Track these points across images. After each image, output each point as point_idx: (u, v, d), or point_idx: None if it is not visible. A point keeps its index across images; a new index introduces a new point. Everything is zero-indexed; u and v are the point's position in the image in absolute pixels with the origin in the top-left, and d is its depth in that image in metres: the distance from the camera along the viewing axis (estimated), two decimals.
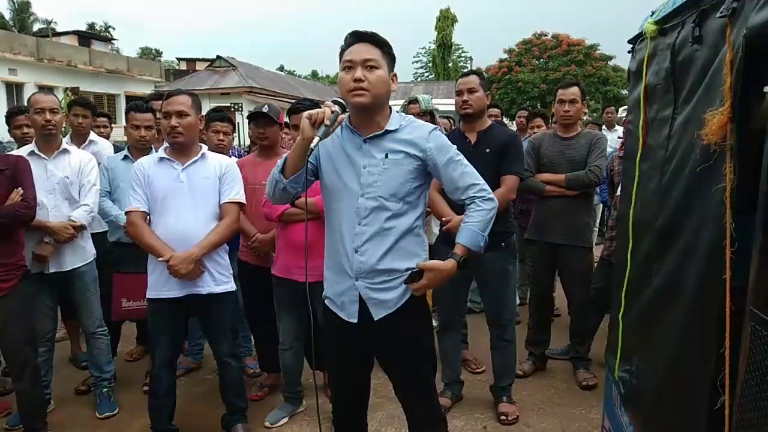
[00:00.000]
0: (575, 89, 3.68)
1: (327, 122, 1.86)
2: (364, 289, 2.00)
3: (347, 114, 2.03)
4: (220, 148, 3.65)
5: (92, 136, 4.18)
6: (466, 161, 2.04)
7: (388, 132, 1.99)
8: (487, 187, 2.04)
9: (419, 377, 2.13)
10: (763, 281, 1.19)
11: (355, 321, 2.03)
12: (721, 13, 1.40)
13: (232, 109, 17.53)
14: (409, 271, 1.99)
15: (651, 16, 2.08)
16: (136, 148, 3.52)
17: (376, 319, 2.01)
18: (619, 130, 7.48)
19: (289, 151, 2.00)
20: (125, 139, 3.71)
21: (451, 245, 2.01)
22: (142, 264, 2.85)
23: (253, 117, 3.39)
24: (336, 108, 1.90)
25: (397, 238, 1.97)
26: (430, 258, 2.11)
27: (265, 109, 3.28)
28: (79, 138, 4.08)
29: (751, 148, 1.28)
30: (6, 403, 3.40)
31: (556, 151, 3.66)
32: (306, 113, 1.89)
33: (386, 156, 1.96)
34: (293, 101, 3.40)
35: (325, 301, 2.14)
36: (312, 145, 1.85)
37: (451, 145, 2.04)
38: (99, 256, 3.42)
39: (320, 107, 1.96)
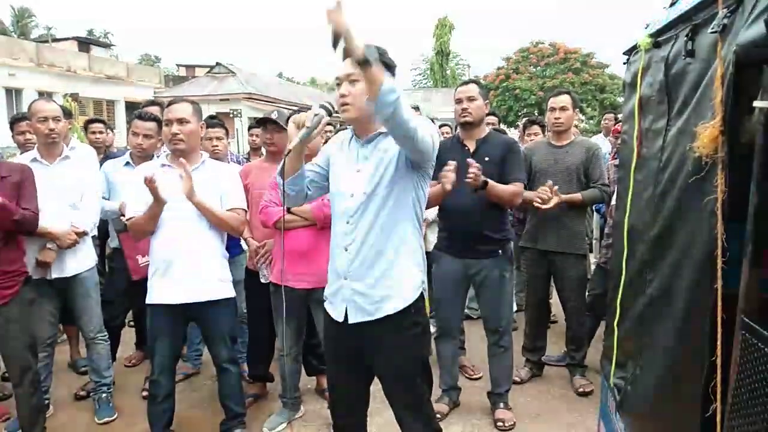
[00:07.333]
0: (565, 97, 3.73)
1: (308, 124, 1.96)
2: (350, 289, 2.04)
3: (336, 119, 2.11)
4: (215, 154, 3.66)
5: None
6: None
7: (381, 134, 2.05)
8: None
9: (408, 389, 2.10)
10: (753, 290, 1.22)
11: (341, 320, 2.07)
12: (712, 28, 1.43)
13: (231, 116, 17.53)
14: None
15: (645, 28, 2.13)
16: (137, 155, 3.56)
17: (351, 321, 2.03)
18: None
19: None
20: (125, 144, 3.78)
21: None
22: None
23: (261, 122, 3.42)
24: (320, 111, 1.98)
25: (386, 242, 2.00)
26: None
27: (273, 116, 3.28)
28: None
29: (741, 161, 1.31)
30: (5, 408, 3.41)
31: (549, 160, 3.68)
32: (292, 117, 2.00)
33: (377, 157, 2.03)
34: (292, 107, 3.44)
35: (325, 303, 2.19)
36: (290, 146, 1.98)
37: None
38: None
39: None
